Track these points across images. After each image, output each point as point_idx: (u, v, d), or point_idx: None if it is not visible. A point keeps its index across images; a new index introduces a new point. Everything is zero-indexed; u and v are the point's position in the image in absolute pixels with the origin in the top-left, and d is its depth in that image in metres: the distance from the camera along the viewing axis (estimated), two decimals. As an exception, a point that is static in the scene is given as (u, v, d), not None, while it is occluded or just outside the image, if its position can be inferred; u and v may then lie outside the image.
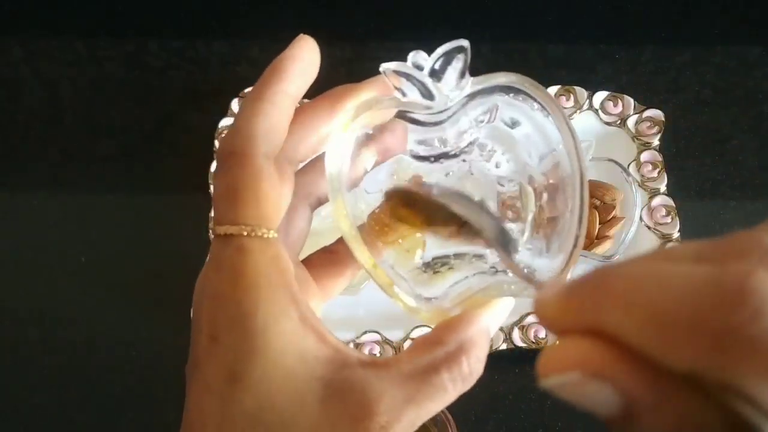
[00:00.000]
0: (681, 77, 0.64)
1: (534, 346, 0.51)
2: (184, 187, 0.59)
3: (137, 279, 0.56)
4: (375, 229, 0.28)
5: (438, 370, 0.24)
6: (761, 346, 0.14)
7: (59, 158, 0.62)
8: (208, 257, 0.25)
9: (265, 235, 0.24)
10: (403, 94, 0.27)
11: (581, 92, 0.59)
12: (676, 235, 0.53)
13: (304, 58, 0.27)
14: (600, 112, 0.59)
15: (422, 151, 0.29)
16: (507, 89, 0.28)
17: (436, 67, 0.26)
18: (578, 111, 0.59)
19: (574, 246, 0.26)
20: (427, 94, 0.27)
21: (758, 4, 0.67)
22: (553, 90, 0.59)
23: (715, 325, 0.14)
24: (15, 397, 0.53)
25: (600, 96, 0.59)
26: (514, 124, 0.29)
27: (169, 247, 0.57)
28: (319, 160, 0.28)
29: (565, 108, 0.59)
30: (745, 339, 0.14)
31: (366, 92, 0.27)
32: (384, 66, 0.26)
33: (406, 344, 0.52)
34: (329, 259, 0.30)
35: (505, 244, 0.26)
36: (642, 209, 0.55)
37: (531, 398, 0.52)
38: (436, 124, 0.28)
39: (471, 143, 0.29)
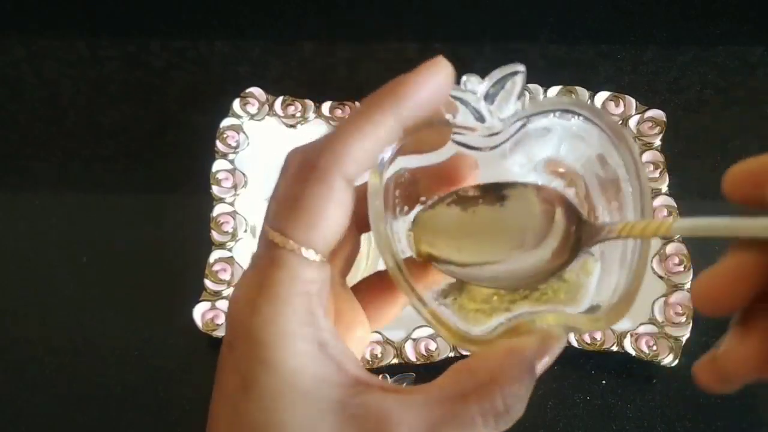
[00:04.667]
0: (683, 77, 0.64)
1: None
2: (186, 187, 0.59)
3: (138, 279, 0.56)
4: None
5: (466, 399, 0.22)
6: None
7: (60, 158, 0.62)
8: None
9: (311, 258, 0.23)
10: (454, 116, 0.26)
11: (583, 92, 0.59)
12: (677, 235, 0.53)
13: (432, 87, 0.24)
14: (601, 112, 0.59)
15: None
16: (566, 113, 0.26)
17: (491, 91, 0.25)
18: (580, 111, 0.59)
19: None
20: (480, 118, 0.26)
21: (760, 4, 0.67)
22: (554, 90, 0.59)
23: None
24: (16, 396, 0.53)
25: (601, 96, 0.59)
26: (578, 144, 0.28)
27: (171, 247, 0.57)
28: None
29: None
30: None
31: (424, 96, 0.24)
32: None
33: (408, 344, 0.52)
34: (381, 285, 0.29)
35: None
36: (643, 210, 0.55)
37: (532, 398, 0.52)
38: (490, 149, 0.27)
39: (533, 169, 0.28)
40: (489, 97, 0.25)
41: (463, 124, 0.26)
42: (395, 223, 0.26)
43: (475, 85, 0.25)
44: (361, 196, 0.25)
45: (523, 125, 0.27)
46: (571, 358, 0.51)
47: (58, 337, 0.55)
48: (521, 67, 0.25)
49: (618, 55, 0.65)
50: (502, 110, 0.26)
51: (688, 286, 0.51)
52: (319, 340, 0.23)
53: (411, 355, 0.51)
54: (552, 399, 0.51)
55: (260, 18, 0.68)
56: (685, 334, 0.50)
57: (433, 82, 0.24)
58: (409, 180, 0.27)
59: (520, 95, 0.25)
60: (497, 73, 0.25)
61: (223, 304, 0.53)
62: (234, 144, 0.58)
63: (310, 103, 0.60)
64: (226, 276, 0.53)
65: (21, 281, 0.57)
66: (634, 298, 0.24)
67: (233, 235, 0.55)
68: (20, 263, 0.58)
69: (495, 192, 0.28)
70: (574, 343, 0.50)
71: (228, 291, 0.53)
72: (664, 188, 0.55)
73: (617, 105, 0.59)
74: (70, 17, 0.68)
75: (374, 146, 0.23)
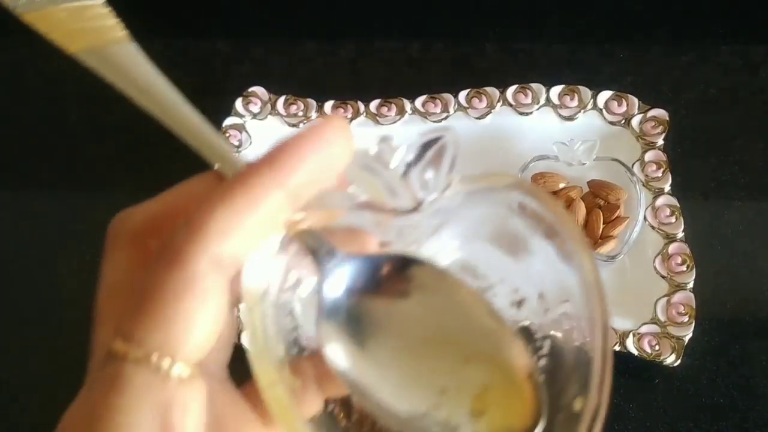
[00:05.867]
0: (686, 77, 0.64)
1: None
2: (188, 186, 0.59)
3: (141, 278, 0.56)
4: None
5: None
6: None
7: (62, 158, 0.62)
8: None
9: (172, 372, 0.17)
10: (360, 190, 0.21)
11: (585, 92, 0.59)
12: (680, 234, 0.53)
13: (324, 147, 0.19)
14: (604, 111, 0.59)
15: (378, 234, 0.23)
16: (508, 199, 0.22)
17: (410, 161, 0.20)
18: (582, 110, 0.59)
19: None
20: (392, 194, 0.21)
21: (763, 3, 0.67)
22: (557, 90, 0.59)
23: None
24: (17, 396, 0.53)
25: (604, 95, 0.59)
26: (514, 246, 0.23)
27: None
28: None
29: (569, 108, 0.59)
30: None
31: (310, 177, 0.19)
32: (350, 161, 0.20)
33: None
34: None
35: None
36: (646, 209, 0.55)
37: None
38: (404, 213, 0.22)
39: (462, 267, 0.24)
40: (408, 170, 0.21)
41: (367, 202, 0.21)
42: (282, 298, 0.20)
43: (391, 154, 0.21)
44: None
45: (448, 207, 0.22)
46: (573, 357, 0.51)
47: (60, 337, 0.55)
48: (449, 136, 0.20)
49: (621, 55, 0.65)
50: (424, 187, 0.21)
51: (690, 285, 0.51)
52: None
53: None
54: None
55: (263, 17, 0.68)
56: (687, 333, 0.50)
57: (327, 146, 0.19)
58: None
59: (449, 169, 0.21)
60: (419, 140, 0.20)
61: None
62: (236, 143, 0.58)
63: (312, 102, 0.60)
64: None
65: (22, 281, 0.57)
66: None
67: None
68: (21, 263, 0.58)
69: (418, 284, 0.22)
70: (577, 343, 0.50)
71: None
72: (667, 188, 0.55)
73: (620, 104, 0.59)
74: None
75: (253, 221, 0.18)
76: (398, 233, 0.22)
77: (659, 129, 0.58)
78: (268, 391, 0.18)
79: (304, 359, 0.21)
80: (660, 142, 0.57)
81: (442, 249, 0.23)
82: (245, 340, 0.19)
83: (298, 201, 0.19)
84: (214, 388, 0.20)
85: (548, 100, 0.59)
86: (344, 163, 0.19)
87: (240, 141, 0.59)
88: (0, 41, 0.67)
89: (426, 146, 0.20)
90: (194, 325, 0.17)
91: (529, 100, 0.59)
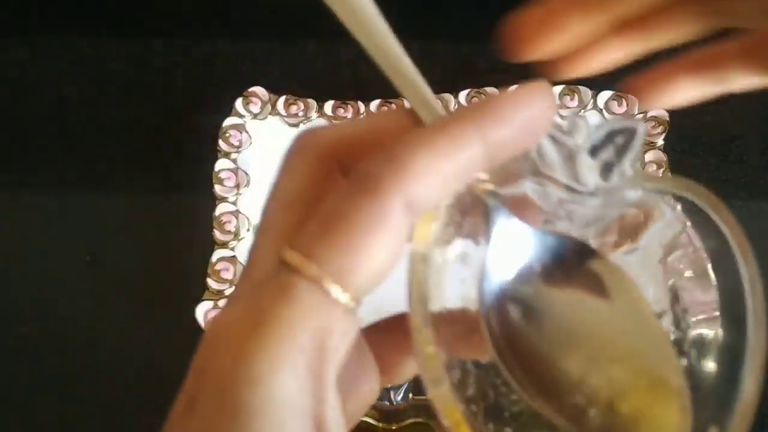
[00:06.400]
0: (686, 77, 0.64)
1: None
2: (189, 186, 0.59)
3: (141, 278, 0.56)
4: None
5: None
6: None
7: (63, 157, 0.62)
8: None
9: (340, 299, 0.17)
10: (542, 160, 0.20)
11: (585, 91, 0.59)
12: (680, 235, 0.53)
13: (532, 112, 0.18)
14: (604, 111, 0.59)
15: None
16: (681, 201, 0.21)
17: (598, 144, 0.20)
18: (583, 110, 0.59)
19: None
20: (572, 173, 0.20)
21: (764, 3, 0.67)
22: (557, 90, 0.59)
23: None
24: (17, 396, 0.53)
25: (604, 95, 0.59)
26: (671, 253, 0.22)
27: (174, 247, 0.57)
28: None
29: (570, 108, 0.59)
30: None
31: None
32: None
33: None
34: (400, 330, 0.20)
35: None
36: (646, 209, 0.55)
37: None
38: (577, 194, 0.21)
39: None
40: (594, 151, 0.20)
41: (550, 174, 0.20)
42: (443, 254, 0.20)
43: (581, 130, 0.20)
44: None
45: (621, 199, 0.21)
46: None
47: (61, 337, 0.55)
48: (641, 126, 0.20)
49: (621, 55, 0.65)
50: (605, 173, 0.20)
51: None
52: (316, 417, 0.17)
53: None
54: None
55: (263, 17, 0.68)
56: (687, 333, 0.50)
57: (533, 106, 0.18)
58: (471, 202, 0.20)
59: (633, 161, 0.20)
60: (612, 125, 0.20)
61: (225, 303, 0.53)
62: (236, 143, 0.58)
63: (312, 102, 0.60)
64: (228, 275, 0.54)
65: (24, 280, 0.57)
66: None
67: (236, 235, 0.55)
68: (22, 263, 0.58)
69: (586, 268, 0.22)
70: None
71: (231, 290, 0.53)
72: (667, 188, 0.55)
73: (620, 104, 0.59)
74: (72, 17, 0.68)
75: (450, 170, 0.17)
76: (564, 215, 0.22)
77: (659, 129, 0.58)
78: (420, 344, 0.18)
79: (446, 316, 0.21)
80: (660, 142, 0.57)
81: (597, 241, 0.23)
82: (408, 288, 0.18)
83: (495, 159, 0.18)
84: None
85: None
86: (546, 127, 0.19)
87: (240, 141, 0.59)
88: (0, 41, 0.67)
89: (615, 132, 0.20)
90: (375, 259, 0.17)
91: (529, 100, 0.59)
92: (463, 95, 0.59)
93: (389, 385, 0.22)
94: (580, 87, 0.59)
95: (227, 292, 0.53)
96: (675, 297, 0.22)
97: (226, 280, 0.53)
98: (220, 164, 0.57)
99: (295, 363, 0.16)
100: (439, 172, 0.17)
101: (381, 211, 0.17)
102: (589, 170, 0.20)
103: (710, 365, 0.21)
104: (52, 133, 0.63)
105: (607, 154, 0.20)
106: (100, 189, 0.61)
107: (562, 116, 0.20)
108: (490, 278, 0.21)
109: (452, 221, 0.20)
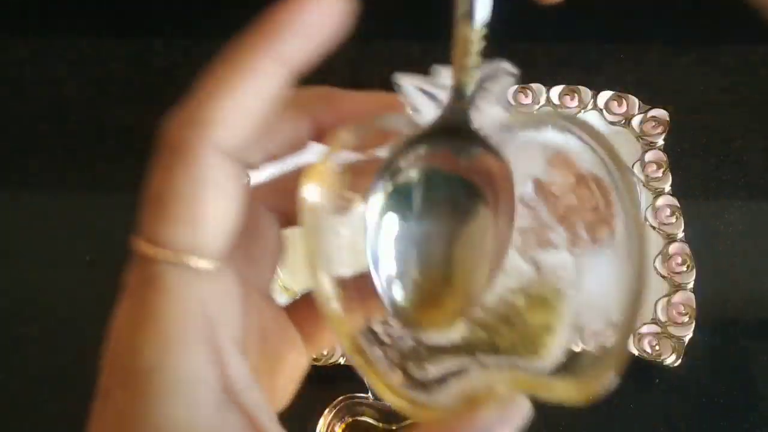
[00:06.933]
0: (686, 77, 0.64)
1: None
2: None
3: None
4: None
5: None
6: None
7: (64, 158, 0.62)
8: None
9: (200, 266, 0.17)
10: (422, 117, 0.20)
11: (585, 92, 0.59)
12: (680, 234, 0.53)
13: (315, 8, 0.17)
14: (604, 111, 0.59)
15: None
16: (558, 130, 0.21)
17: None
18: (583, 111, 0.59)
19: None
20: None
21: (764, 3, 0.67)
22: (557, 90, 0.59)
23: None
24: (17, 396, 0.53)
25: (604, 96, 0.59)
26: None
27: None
28: (292, 172, 0.22)
29: (570, 108, 0.59)
30: None
31: (375, 103, 0.20)
32: (401, 79, 0.20)
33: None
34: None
35: None
36: (646, 209, 0.55)
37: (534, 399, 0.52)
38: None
39: None
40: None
41: (421, 127, 0.21)
42: (333, 223, 0.20)
43: (445, 80, 0.20)
44: (283, 183, 0.21)
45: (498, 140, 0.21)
46: (573, 357, 0.51)
47: (61, 337, 0.55)
48: (511, 68, 0.20)
49: (621, 55, 0.65)
50: (479, 118, 0.20)
51: (691, 285, 0.51)
52: (225, 385, 0.17)
53: None
54: (554, 399, 0.51)
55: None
56: (687, 334, 0.50)
57: (314, 6, 0.17)
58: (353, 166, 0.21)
59: (504, 102, 0.20)
60: (481, 72, 0.20)
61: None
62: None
63: (312, 102, 0.60)
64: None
65: (24, 280, 0.57)
66: (623, 350, 0.19)
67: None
68: (22, 263, 0.58)
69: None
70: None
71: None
72: (667, 188, 0.55)
73: (620, 104, 0.59)
74: (72, 17, 0.68)
75: (255, 103, 0.17)
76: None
77: (659, 129, 0.58)
78: (324, 301, 0.18)
79: (349, 280, 0.21)
80: (660, 142, 0.57)
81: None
82: (303, 249, 0.19)
83: (297, 71, 0.18)
84: (258, 303, 0.21)
85: (548, 100, 0.59)
86: (337, 24, 0.18)
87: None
88: (0, 41, 0.67)
89: (485, 78, 0.20)
90: (213, 217, 0.17)
91: (529, 100, 0.59)
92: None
93: (316, 354, 0.22)
94: (580, 87, 0.59)
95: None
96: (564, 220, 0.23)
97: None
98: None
99: (185, 340, 0.17)
100: (243, 109, 0.17)
101: (197, 172, 0.17)
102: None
103: (589, 276, 0.22)
104: (52, 133, 0.63)
105: (480, 100, 0.20)
106: (100, 189, 0.61)
107: (434, 70, 0.20)
108: (376, 236, 0.21)
109: (340, 185, 0.20)
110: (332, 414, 0.47)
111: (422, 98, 0.20)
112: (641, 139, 0.58)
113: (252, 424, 0.17)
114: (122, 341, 0.18)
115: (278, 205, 0.21)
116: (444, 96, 0.20)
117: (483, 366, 0.21)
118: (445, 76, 0.20)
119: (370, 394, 0.46)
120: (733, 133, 0.61)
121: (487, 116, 0.20)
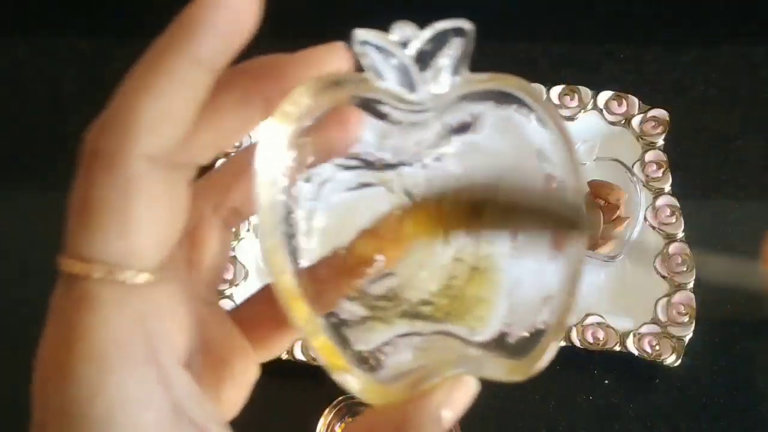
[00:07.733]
0: (686, 77, 0.64)
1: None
2: (188, 186, 0.59)
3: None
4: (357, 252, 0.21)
5: None
6: None
7: (64, 158, 0.62)
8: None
9: (134, 280, 0.16)
10: (379, 77, 0.19)
11: (585, 92, 0.59)
12: (680, 234, 0.53)
13: (227, 4, 0.17)
14: (604, 111, 0.59)
15: (365, 156, 0.22)
16: (505, 97, 0.21)
17: (426, 49, 0.19)
18: (583, 111, 0.59)
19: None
20: (408, 84, 0.19)
21: (763, 3, 0.67)
22: (557, 90, 0.59)
23: None
24: (17, 396, 0.53)
25: (604, 96, 0.59)
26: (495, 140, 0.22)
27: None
28: (234, 161, 0.21)
29: (570, 108, 0.59)
30: None
31: (313, 66, 0.19)
32: (359, 35, 0.19)
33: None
34: (269, 300, 0.21)
35: None
36: (646, 209, 0.55)
37: (535, 399, 0.52)
38: (409, 125, 0.20)
39: (437, 159, 0.22)
40: (422, 59, 0.19)
41: (387, 89, 0.19)
42: (290, 208, 0.19)
43: (407, 35, 0.19)
44: (227, 180, 0.20)
45: (453, 104, 0.20)
46: (573, 358, 0.51)
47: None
48: (468, 26, 0.19)
49: (621, 55, 0.65)
50: (437, 81, 0.19)
51: (690, 285, 0.51)
52: (172, 402, 0.16)
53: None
54: (554, 399, 0.51)
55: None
56: (687, 333, 0.50)
57: (226, 8, 0.17)
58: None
59: (459, 65, 0.19)
60: (436, 27, 0.19)
61: (225, 304, 0.53)
62: (237, 144, 0.58)
63: (312, 102, 0.60)
64: (228, 275, 0.54)
65: (24, 280, 0.57)
66: (563, 327, 0.19)
67: (236, 235, 0.55)
68: (22, 263, 0.58)
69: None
70: (577, 343, 0.50)
71: (231, 290, 0.53)
72: (667, 188, 0.55)
73: (620, 104, 0.59)
74: (72, 17, 0.68)
75: (173, 104, 0.16)
76: (402, 131, 0.21)
77: (659, 129, 0.58)
78: (279, 279, 0.17)
79: (317, 267, 0.21)
80: (660, 142, 0.57)
81: (431, 144, 0.22)
82: (258, 231, 0.18)
83: (218, 67, 0.17)
84: (201, 311, 0.19)
85: (548, 100, 0.59)
86: (250, 20, 0.18)
87: (240, 141, 0.58)
88: (0, 41, 0.67)
89: (442, 34, 0.19)
90: (147, 227, 0.16)
91: (529, 100, 0.59)
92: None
93: (267, 359, 0.21)
94: (580, 87, 0.59)
95: (227, 292, 0.53)
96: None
97: (226, 280, 0.53)
98: (220, 164, 0.57)
99: (125, 362, 0.15)
100: (164, 113, 0.16)
101: (123, 181, 0.16)
102: (420, 81, 0.19)
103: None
104: (52, 133, 0.63)
105: (438, 59, 0.19)
106: (100, 189, 0.61)
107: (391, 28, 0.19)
108: (324, 212, 0.21)
109: (293, 165, 0.19)
110: (332, 414, 0.47)
111: (379, 56, 0.19)
112: (641, 139, 0.58)
113: None
114: (53, 369, 0.16)
115: (222, 201, 0.20)
116: (402, 54, 0.19)
117: (420, 334, 0.21)
118: (409, 36, 0.19)
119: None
120: (733, 132, 0.61)
121: (440, 83, 0.19)
